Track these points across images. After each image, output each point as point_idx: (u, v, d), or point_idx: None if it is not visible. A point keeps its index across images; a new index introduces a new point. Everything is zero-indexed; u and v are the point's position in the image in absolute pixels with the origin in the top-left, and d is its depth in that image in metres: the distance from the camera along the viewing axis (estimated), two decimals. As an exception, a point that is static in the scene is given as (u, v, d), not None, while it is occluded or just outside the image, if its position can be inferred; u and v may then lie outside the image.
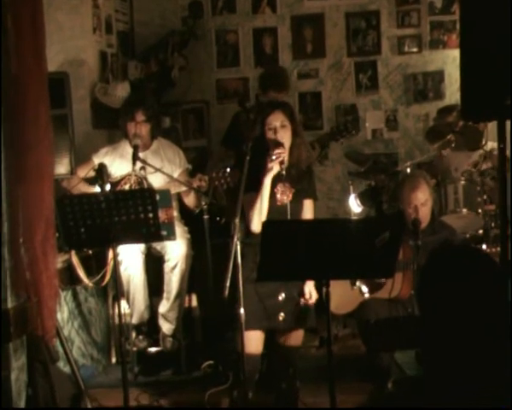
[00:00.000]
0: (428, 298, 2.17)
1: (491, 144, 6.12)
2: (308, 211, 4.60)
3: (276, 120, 4.47)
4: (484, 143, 6.10)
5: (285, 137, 4.46)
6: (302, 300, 4.43)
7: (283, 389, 4.59)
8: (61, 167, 4.39)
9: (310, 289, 4.45)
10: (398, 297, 5.01)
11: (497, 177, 5.80)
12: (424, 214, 4.92)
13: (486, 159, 6.09)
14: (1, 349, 3.53)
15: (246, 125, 6.01)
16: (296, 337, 4.54)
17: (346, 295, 5.08)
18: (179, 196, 5.66)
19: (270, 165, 4.37)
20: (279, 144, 4.40)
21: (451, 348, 2.12)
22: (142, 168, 5.63)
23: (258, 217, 4.36)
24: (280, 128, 4.45)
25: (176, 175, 5.65)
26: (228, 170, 5.33)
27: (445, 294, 2.12)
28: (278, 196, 4.50)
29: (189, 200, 5.67)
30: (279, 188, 4.51)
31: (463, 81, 3.22)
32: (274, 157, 4.36)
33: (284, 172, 4.43)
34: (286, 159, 4.41)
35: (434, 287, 2.15)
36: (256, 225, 4.32)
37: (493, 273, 2.17)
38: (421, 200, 4.92)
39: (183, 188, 5.55)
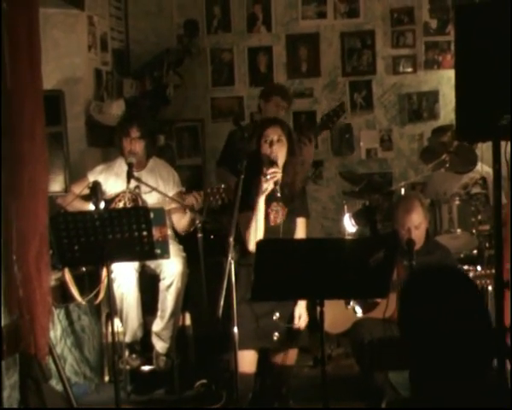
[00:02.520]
0: (409, 321, 2.20)
1: (482, 167, 6.13)
2: (301, 229, 4.60)
3: (274, 134, 4.47)
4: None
5: (280, 152, 4.45)
6: (293, 323, 4.42)
7: (276, 409, 4.57)
8: (56, 185, 4.40)
9: (300, 311, 4.44)
10: (393, 318, 4.99)
11: (485, 201, 5.83)
12: (418, 236, 4.90)
13: (476, 183, 6.11)
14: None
15: (241, 144, 6.01)
16: (290, 357, 4.52)
17: (340, 314, 5.06)
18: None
19: (264, 185, 4.36)
20: (273, 163, 4.40)
21: (435, 366, 2.14)
22: (137, 187, 5.63)
23: (254, 237, 4.35)
24: (276, 142, 4.45)
25: (170, 195, 5.64)
26: (222, 186, 5.33)
27: (425, 315, 2.15)
28: (271, 216, 4.50)
29: (181, 223, 5.65)
30: (273, 208, 4.50)
31: (458, 101, 3.23)
32: (268, 176, 4.35)
33: (279, 194, 4.42)
34: (280, 178, 4.41)
35: (414, 309, 2.18)
36: (253, 246, 4.30)
37: (469, 290, 2.20)
38: (415, 222, 4.91)
39: (177, 205, 5.53)
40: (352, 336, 5.20)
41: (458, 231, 5.71)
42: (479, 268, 4.99)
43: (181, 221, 5.65)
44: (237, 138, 6.33)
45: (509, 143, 3.37)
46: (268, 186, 4.37)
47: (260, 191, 4.36)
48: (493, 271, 4.68)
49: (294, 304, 4.44)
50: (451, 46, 7.42)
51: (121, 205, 5.56)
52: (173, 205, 5.53)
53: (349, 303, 5.08)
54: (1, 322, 3.61)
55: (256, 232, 4.38)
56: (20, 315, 3.72)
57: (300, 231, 4.59)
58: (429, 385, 2.18)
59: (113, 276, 4.84)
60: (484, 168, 6.13)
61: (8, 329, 3.64)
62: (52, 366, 4.25)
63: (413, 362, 2.24)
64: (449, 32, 7.53)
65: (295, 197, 4.56)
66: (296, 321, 4.42)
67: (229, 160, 6.27)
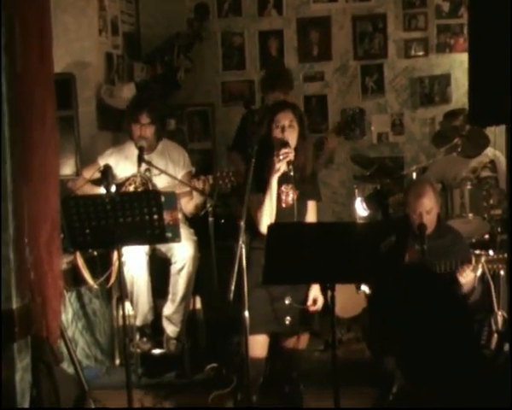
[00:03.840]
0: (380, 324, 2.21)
1: (491, 151, 6.11)
2: (311, 212, 4.58)
3: (285, 119, 4.45)
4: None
5: (291, 137, 4.43)
6: (307, 306, 4.42)
7: (287, 393, 4.58)
8: (67, 168, 4.40)
9: (315, 294, 4.43)
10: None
11: (495, 185, 5.81)
12: (429, 221, 4.89)
13: (485, 167, 6.08)
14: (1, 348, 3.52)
15: (251, 128, 6.00)
16: (301, 342, 4.52)
17: (351, 298, 5.07)
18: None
19: (277, 165, 4.34)
20: (285, 144, 4.38)
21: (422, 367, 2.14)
22: (147, 170, 5.63)
23: (267, 218, 4.34)
24: (288, 127, 4.43)
25: (179, 176, 5.63)
26: (232, 170, 5.32)
27: (396, 317, 2.16)
28: (283, 197, 4.48)
29: (188, 206, 5.65)
30: (283, 190, 4.48)
31: (471, 84, 3.21)
32: (281, 157, 4.33)
33: (292, 173, 4.40)
34: (292, 159, 4.39)
35: (383, 314, 2.19)
36: (265, 227, 4.27)
37: (440, 285, 2.20)
38: (427, 207, 4.89)
39: (187, 188, 5.53)
40: (363, 320, 5.20)
41: (470, 215, 5.69)
42: (491, 253, 4.97)
43: (188, 204, 5.65)
44: (249, 122, 6.31)
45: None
46: (281, 166, 4.35)
47: (273, 171, 4.35)
48: (505, 255, 4.69)
49: (308, 288, 4.43)
50: (464, 29, 7.40)
51: (132, 188, 5.56)
52: (183, 189, 5.52)
53: (360, 288, 5.09)
54: (12, 305, 3.62)
55: (269, 213, 4.37)
56: (31, 298, 3.73)
57: (311, 214, 4.58)
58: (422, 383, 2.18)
59: (123, 259, 4.85)
60: (492, 152, 6.11)
61: (20, 312, 3.65)
62: (63, 349, 4.27)
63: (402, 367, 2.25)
64: (461, 15, 7.49)
65: (306, 181, 4.55)
66: (310, 303, 4.42)
67: (241, 144, 6.25)
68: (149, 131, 5.68)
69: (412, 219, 4.89)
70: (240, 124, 6.58)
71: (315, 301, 4.44)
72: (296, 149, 4.47)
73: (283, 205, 4.47)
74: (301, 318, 4.42)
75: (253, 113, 6.35)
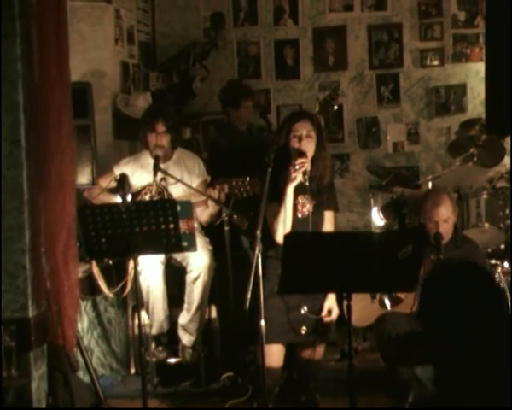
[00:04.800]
0: (429, 317, 2.18)
1: (508, 161, 6.08)
2: (328, 222, 4.58)
3: (303, 129, 4.45)
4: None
5: (309, 147, 4.44)
6: (323, 317, 4.42)
7: (303, 403, 4.57)
8: (83, 177, 4.40)
9: (330, 304, 4.43)
10: (420, 313, 4.96)
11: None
12: (446, 230, 4.86)
13: (501, 177, 6.05)
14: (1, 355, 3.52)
15: (268, 137, 6.01)
16: (317, 352, 4.51)
17: (366, 308, 5.04)
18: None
19: (293, 175, 4.34)
20: (302, 154, 4.38)
21: (456, 362, 2.12)
22: (163, 179, 5.63)
23: (283, 227, 4.34)
24: (305, 137, 4.43)
25: (194, 185, 5.63)
26: (248, 179, 5.31)
27: (445, 311, 2.13)
28: (299, 207, 4.48)
29: (203, 215, 5.65)
30: (300, 200, 4.48)
31: (488, 94, 3.20)
32: (297, 167, 4.33)
33: (308, 183, 4.40)
34: (308, 169, 4.39)
35: (434, 306, 2.16)
36: (281, 236, 4.27)
37: (490, 287, 2.18)
38: (444, 216, 4.86)
39: (203, 197, 5.53)
40: (377, 330, 5.18)
41: (486, 225, 5.68)
42: (506, 264, 4.94)
43: (203, 213, 5.64)
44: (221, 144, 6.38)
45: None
46: (297, 176, 4.35)
47: (289, 180, 4.35)
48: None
49: (324, 298, 4.42)
50: (480, 39, 7.38)
51: (147, 198, 5.57)
52: (198, 198, 5.52)
53: (375, 297, 5.06)
54: (29, 314, 3.63)
55: (284, 222, 4.36)
56: (47, 307, 3.74)
57: (328, 224, 4.58)
58: (453, 384, 2.16)
59: (139, 268, 4.85)
60: (509, 162, 6.09)
61: (36, 320, 3.66)
62: (79, 358, 4.27)
63: (433, 359, 2.22)
64: (477, 25, 7.47)
65: (323, 191, 4.55)
66: (325, 313, 4.41)
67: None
68: (165, 140, 5.69)
69: (428, 228, 4.87)
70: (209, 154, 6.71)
71: (329, 312, 4.43)
72: (314, 159, 4.47)
73: (299, 215, 4.47)
74: (317, 328, 4.41)
75: (269, 122, 6.38)
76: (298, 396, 4.57)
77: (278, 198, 4.37)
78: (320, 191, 4.52)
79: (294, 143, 4.42)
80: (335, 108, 6.13)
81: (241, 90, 6.68)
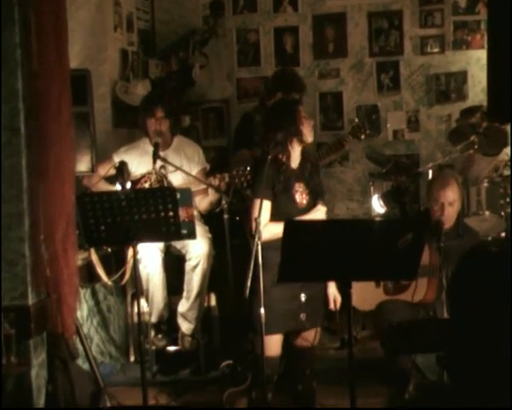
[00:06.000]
0: (460, 300, 2.12)
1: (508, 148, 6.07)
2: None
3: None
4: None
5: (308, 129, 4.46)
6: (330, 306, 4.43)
7: (299, 391, 4.56)
8: (82, 165, 4.38)
9: (333, 292, 4.43)
10: (422, 302, 4.96)
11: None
12: (450, 214, 4.86)
13: (506, 165, 6.03)
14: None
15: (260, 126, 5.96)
16: (315, 337, 4.49)
17: (369, 291, 5.03)
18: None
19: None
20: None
21: (480, 352, 2.07)
22: (163, 167, 5.62)
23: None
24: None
25: (193, 173, 5.63)
26: (248, 169, 5.30)
27: (477, 297, 2.07)
28: (297, 196, 4.45)
29: (203, 203, 5.64)
30: (297, 188, 4.45)
31: (490, 80, 3.19)
32: None
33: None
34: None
35: (466, 290, 2.11)
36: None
37: None
38: (450, 199, 4.87)
39: (202, 186, 5.52)
40: (376, 318, 5.17)
41: (486, 213, 5.67)
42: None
43: (202, 202, 5.64)
44: (257, 120, 6.26)
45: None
46: None
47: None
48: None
49: (325, 286, 4.42)
50: (481, 26, 7.35)
51: (147, 185, 5.57)
52: (198, 186, 5.51)
53: (379, 284, 5.06)
54: (28, 301, 3.63)
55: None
56: (47, 295, 3.74)
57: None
58: (471, 370, 2.12)
59: (138, 256, 4.85)
60: (509, 150, 6.07)
61: (36, 308, 3.66)
62: (79, 346, 4.27)
63: (457, 344, 2.17)
64: (478, 12, 7.43)
65: (313, 173, 4.53)
66: (331, 304, 4.42)
67: (247, 142, 6.19)
68: (164, 126, 5.69)
69: (433, 211, 4.87)
70: (240, 123, 6.55)
71: (335, 301, 4.44)
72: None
73: (299, 206, 4.43)
74: (315, 313, 4.41)
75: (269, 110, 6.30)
76: (294, 384, 4.56)
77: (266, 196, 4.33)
78: (310, 175, 4.51)
79: None
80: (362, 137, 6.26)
81: (297, 81, 6.48)
